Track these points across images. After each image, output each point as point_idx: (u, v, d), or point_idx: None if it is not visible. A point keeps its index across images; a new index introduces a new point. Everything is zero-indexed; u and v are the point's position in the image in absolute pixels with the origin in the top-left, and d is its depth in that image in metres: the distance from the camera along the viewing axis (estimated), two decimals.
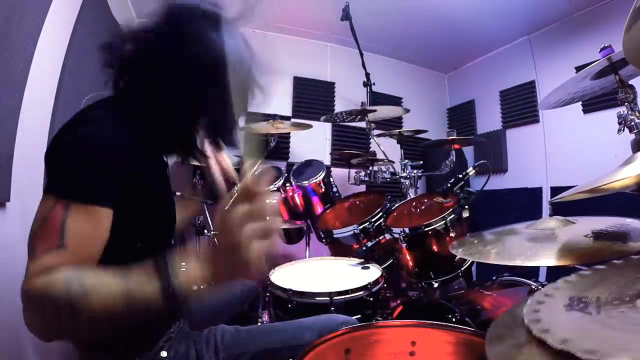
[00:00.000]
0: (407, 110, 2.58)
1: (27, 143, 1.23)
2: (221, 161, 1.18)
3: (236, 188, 0.70)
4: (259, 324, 1.44)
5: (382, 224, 1.79)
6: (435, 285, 1.61)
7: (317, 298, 1.22)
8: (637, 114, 1.23)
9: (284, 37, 3.21)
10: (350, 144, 3.29)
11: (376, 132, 2.56)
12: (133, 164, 0.74)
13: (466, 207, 1.59)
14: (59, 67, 1.50)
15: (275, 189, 2.26)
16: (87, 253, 0.65)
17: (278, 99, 3.12)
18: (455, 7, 2.78)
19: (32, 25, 1.25)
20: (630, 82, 1.31)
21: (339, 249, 1.94)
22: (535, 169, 2.98)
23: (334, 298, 1.20)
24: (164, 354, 0.84)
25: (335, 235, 1.92)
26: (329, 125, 3.27)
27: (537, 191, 2.94)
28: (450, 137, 2.17)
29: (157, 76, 0.80)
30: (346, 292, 1.22)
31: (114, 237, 0.71)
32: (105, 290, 0.59)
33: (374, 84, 2.81)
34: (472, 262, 1.64)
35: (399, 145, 2.46)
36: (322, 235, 2.02)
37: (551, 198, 2.74)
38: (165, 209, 0.90)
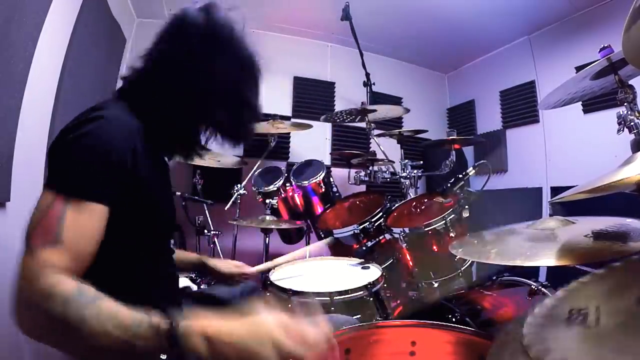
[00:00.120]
0: (407, 110, 2.58)
1: (27, 143, 1.23)
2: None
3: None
4: None
5: (382, 224, 1.79)
6: (435, 285, 1.61)
7: (317, 298, 1.22)
8: (637, 114, 1.23)
9: (284, 37, 3.21)
10: (350, 144, 3.29)
11: (376, 132, 2.56)
12: (134, 164, 0.74)
13: (466, 207, 1.59)
14: (59, 67, 1.50)
15: (275, 188, 2.26)
16: (82, 250, 0.65)
17: (278, 99, 3.12)
18: (455, 7, 2.78)
19: (32, 25, 1.25)
20: (630, 82, 1.31)
21: (339, 249, 1.94)
22: (535, 169, 2.98)
23: (334, 298, 1.20)
24: (163, 356, 0.84)
25: (335, 235, 1.92)
26: (329, 125, 3.27)
27: (537, 191, 2.94)
28: (450, 137, 2.17)
29: (159, 77, 0.82)
30: (346, 292, 1.22)
31: (113, 237, 0.71)
32: (103, 323, 0.57)
33: (374, 84, 2.81)
34: (472, 262, 1.64)
35: (399, 145, 2.46)
36: (322, 235, 2.02)
37: (551, 198, 2.74)
38: (165, 211, 0.90)
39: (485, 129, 3.45)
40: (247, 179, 2.41)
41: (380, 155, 2.40)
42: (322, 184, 2.28)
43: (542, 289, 1.26)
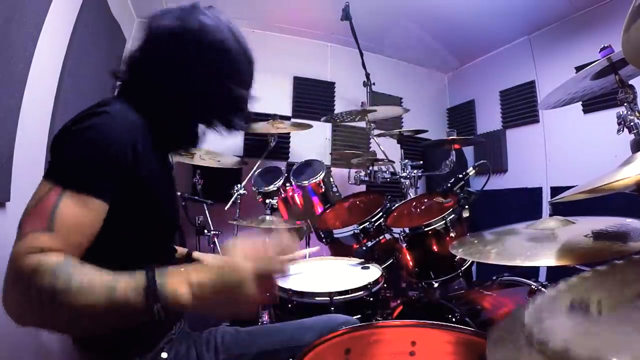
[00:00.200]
0: (407, 110, 2.58)
1: (27, 143, 1.23)
2: None
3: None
4: (259, 324, 1.44)
5: (382, 224, 1.79)
6: (435, 285, 1.61)
7: (317, 298, 1.22)
8: (637, 114, 1.23)
9: (284, 37, 3.21)
10: (350, 144, 3.29)
11: (376, 132, 2.56)
12: (135, 160, 0.74)
13: (466, 207, 1.59)
14: (59, 67, 1.50)
15: (275, 188, 2.26)
16: (74, 240, 0.65)
17: (278, 99, 3.12)
18: (455, 7, 2.78)
19: (32, 25, 1.25)
20: (630, 82, 1.31)
21: (339, 249, 1.94)
22: (535, 169, 2.98)
23: (334, 298, 1.20)
24: (164, 355, 0.84)
25: (335, 235, 1.92)
26: (329, 125, 3.27)
27: (537, 191, 2.94)
28: (450, 137, 2.17)
29: (152, 74, 0.84)
30: (346, 292, 1.22)
31: (113, 234, 0.71)
32: (90, 288, 0.58)
33: (374, 84, 2.81)
34: (472, 262, 1.64)
35: (399, 145, 2.46)
36: (322, 235, 2.02)
37: (551, 198, 2.74)
38: (167, 210, 0.90)
39: (485, 129, 3.46)
40: (247, 179, 2.41)
41: (380, 155, 2.41)
42: (322, 184, 2.28)
43: (542, 289, 1.26)
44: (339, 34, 3.10)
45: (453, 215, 1.56)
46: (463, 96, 3.74)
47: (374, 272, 1.41)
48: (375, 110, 2.35)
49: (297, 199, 2.27)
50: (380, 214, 1.85)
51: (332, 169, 2.89)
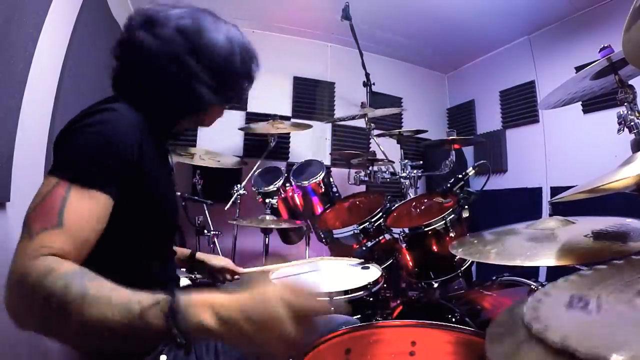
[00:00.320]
0: (402, 108, 2.55)
1: (27, 143, 1.23)
2: None
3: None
4: None
5: (382, 224, 1.79)
6: (435, 285, 1.61)
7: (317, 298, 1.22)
8: (637, 114, 1.23)
9: (284, 37, 3.21)
10: (350, 144, 3.29)
11: (376, 132, 2.56)
12: (139, 158, 0.75)
13: (466, 207, 1.59)
14: (59, 67, 1.50)
15: (275, 188, 2.26)
16: (83, 236, 0.63)
17: (278, 99, 3.12)
18: (455, 7, 2.78)
19: (32, 25, 1.24)
20: (630, 82, 1.31)
21: (339, 249, 1.94)
22: (535, 169, 2.98)
23: (334, 298, 1.20)
24: (163, 357, 0.84)
25: (335, 235, 1.92)
26: (328, 126, 3.27)
27: (537, 191, 2.94)
28: (450, 137, 2.17)
29: (147, 68, 0.83)
30: (346, 292, 1.22)
31: (114, 234, 0.71)
32: (105, 304, 0.53)
33: (374, 84, 2.81)
34: (472, 262, 1.64)
35: (398, 145, 2.46)
36: (322, 235, 2.02)
37: (551, 198, 2.74)
38: (167, 211, 0.90)
39: (485, 129, 3.45)
40: (247, 179, 2.41)
41: (380, 155, 2.41)
42: (322, 184, 2.28)
43: (543, 287, 1.26)
44: (339, 34, 3.10)
45: (453, 215, 1.56)
46: (463, 96, 3.74)
47: (374, 272, 1.41)
48: (373, 110, 2.35)
49: (297, 199, 2.28)
50: (380, 214, 1.85)
51: (332, 169, 2.89)
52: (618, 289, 0.46)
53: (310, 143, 3.14)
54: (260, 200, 2.29)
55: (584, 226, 0.89)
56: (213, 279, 1.28)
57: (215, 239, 2.21)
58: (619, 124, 1.26)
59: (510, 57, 3.26)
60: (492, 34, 3.15)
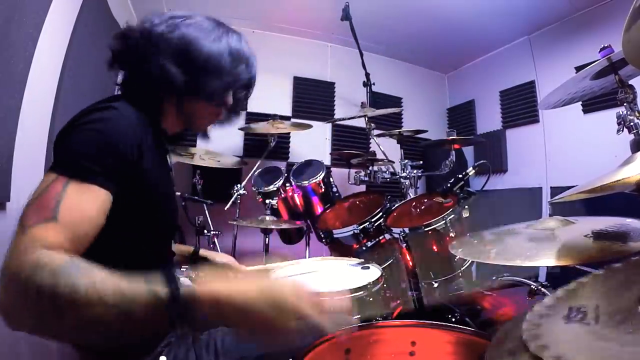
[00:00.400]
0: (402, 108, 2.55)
1: (27, 143, 1.23)
2: None
3: None
4: None
5: (382, 224, 1.79)
6: (435, 285, 1.61)
7: None
8: (637, 114, 1.23)
9: (284, 37, 3.21)
10: (350, 144, 3.29)
11: (376, 132, 2.56)
12: (139, 157, 0.75)
13: (466, 207, 1.59)
14: (59, 67, 1.50)
15: (275, 188, 2.26)
16: (80, 230, 0.62)
17: (278, 99, 3.12)
18: (455, 7, 2.78)
19: (32, 25, 1.25)
20: (630, 82, 1.31)
21: (339, 249, 1.94)
22: (535, 169, 2.98)
23: (334, 298, 1.20)
24: (163, 358, 0.84)
25: (335, 235, 1.92)
26: (328, 125, 3.27)
27: (537, 191, 2.94)
28: (450, 137, 2.17)
29: (148, 70, 0.85)
30: (346, 292, 1.22)
31: (113, 232, 0.71)
32: (99, 291, 0.51)
33: (374, 84, 2.81)
34: (472, 262, 1.64)
35: (399, 145, 2.45)
36: (322, 235, 2.02)
37: (551, 198, 2.74)
38: (166, 211, 0.90)
39: (485, 129, 3.45)
40: (247, 179, 2.41)
41: (380, 155, 2.41)
42: (322, 184, 2.28)
43: (542, 289, 1.26)
44: (339, 34, 3.10)
45: (453, 215, 1.56)
46: (463, 96, 3.74)
47: (374, 272, 1.41)
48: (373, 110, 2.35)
49: (297, 199, 2.28)
50: (380, 214, 1.85)
51: (332, 169, 2.88)
52: (617, 295, 0.46)
53: (310, 143, 3.14)
54: (260, 200, 2.29)
55: (584, 226, 0.89)
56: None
57: (215, 239, 2.21)
58: (619, 124, 1.26)
59: (510, 57, 3.26)
60: (492, 34, 3.15)
